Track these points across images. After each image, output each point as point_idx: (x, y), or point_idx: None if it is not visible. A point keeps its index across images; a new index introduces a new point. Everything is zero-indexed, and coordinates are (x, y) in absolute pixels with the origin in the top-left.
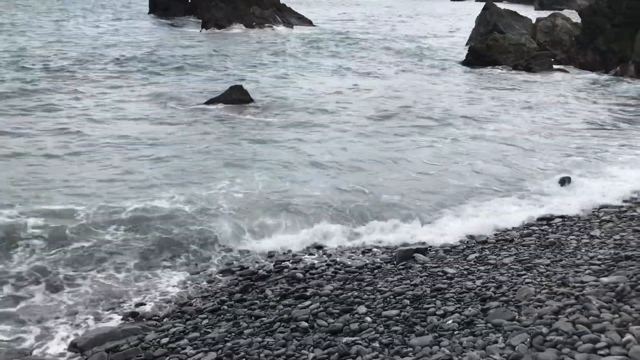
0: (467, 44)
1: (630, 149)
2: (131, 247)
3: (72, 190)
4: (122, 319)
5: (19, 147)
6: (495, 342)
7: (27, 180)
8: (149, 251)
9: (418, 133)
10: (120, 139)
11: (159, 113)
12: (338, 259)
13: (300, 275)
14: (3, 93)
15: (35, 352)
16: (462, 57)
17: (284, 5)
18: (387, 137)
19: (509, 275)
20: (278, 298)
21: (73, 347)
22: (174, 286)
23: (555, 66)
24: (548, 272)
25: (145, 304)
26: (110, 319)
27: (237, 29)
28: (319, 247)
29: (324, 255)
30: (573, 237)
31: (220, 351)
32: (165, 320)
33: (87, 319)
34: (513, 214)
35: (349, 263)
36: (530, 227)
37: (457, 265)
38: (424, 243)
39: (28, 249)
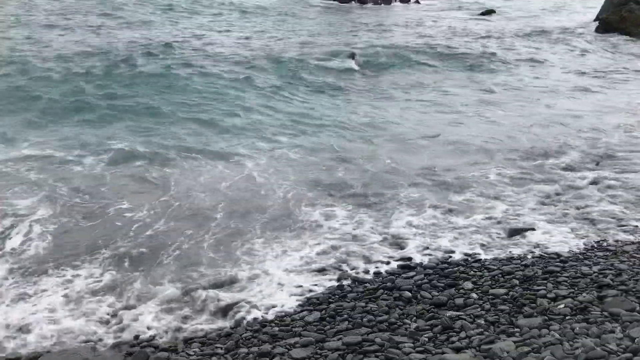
0: (596, 17)
1: None
2: None
3: None
4: None
5: None
6: (612, 331)
7: None
8: None
9: None
10: None
11: None
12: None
13: (403, 244)
14: None
15: None
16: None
17: None
18: None
19: (630, 263)
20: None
21: None
22: None
23: None
24: None
25: None
26: None
27: None
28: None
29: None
30: None
31: (324, 312)
32: None
33: None
34: None
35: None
36: None
37: (572, 249)
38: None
39: None
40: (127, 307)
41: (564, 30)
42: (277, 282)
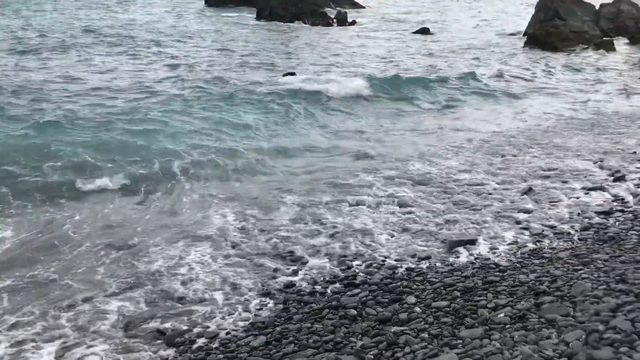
0: (525, 32)
1: None
2: None
3: None
4: None
5: None
6: (549, 337)
7: None
8: None
9: None
10: None
11: None
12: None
13: (349, 262)
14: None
15: None
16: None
17: None
18: None
19: (564, 269)
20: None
21: None
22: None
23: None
24: (606, 268)
25: None
26: None
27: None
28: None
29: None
30: (634, 232)
31: (269, 335)
32: None
33: None
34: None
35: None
36: (588, 221)
37: (510, 258)
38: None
39: None
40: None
41: (491, 45)
42: (221, 307)
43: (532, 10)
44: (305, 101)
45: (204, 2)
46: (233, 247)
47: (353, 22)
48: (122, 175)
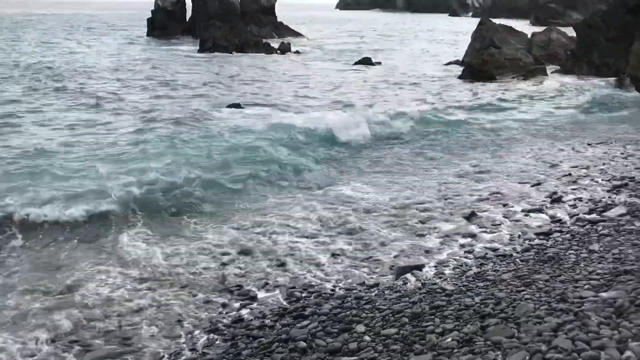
0: (462, 60)
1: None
2: None
3: None
4: None
5: None
6: None
7: None
8: None
9: None
10: None
11: None
12: (335, 277)
13: (298, 294)
14: None
15: None
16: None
17: (281, 23)
18: None
19: (508, 291)
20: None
21: None
22: None
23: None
24: (547, 288)
25: None
26: None
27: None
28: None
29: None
30: (572, 251)
31: None
32: None
33: None
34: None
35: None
36: (529, 242)
37: (455, 282)
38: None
39: None
40: None
41: (432, 76)
42: (167, 347)
43: (469, 39)
44: (245, 135)
45: (145, 33)
46: (182, 287)
47: (297, 52)
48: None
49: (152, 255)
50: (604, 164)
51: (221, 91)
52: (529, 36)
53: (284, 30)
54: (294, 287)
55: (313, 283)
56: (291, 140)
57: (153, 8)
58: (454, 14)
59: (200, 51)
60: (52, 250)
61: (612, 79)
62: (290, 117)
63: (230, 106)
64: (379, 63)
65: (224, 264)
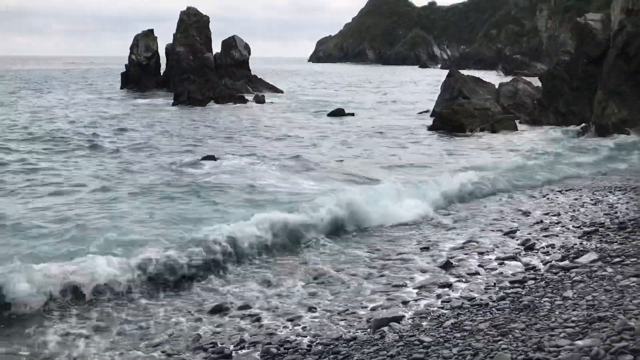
0: (433, 110)
1: None
2: None
3: None
4: None
5: None
6: None
7: None
8: None
9: None
10: None
11: None
12: (312, 332)
13: (274, 350)
14: None
15: None
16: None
17: (255, 76)
18: None
19: (485, 341)
20: None
21: None
22: None
23: (520, 128)
24: (524, 337)
25: None
26: None
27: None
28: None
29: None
30: (546, 299)
31: None
32: None
33: None
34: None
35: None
36: (504, 291)
37: (433, 333)
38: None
39: None
40: None
41: (404, 126)
42: None
43: (438, 90)
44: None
45: (119, 86)
46: (154, 346)
47: (271, 103)
48: None
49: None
50: (574, 211)
51: (193, 142)
52: (497, 86)
53: (257, 83)
54: (270, 344)
55: (289, 339)
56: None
57: (127, 62)
58: (423, 65)
59: (174, 104)
60: None
61: (578, 127)
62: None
63: (204, 158)
64: (352, 114)
65: (198, 320)
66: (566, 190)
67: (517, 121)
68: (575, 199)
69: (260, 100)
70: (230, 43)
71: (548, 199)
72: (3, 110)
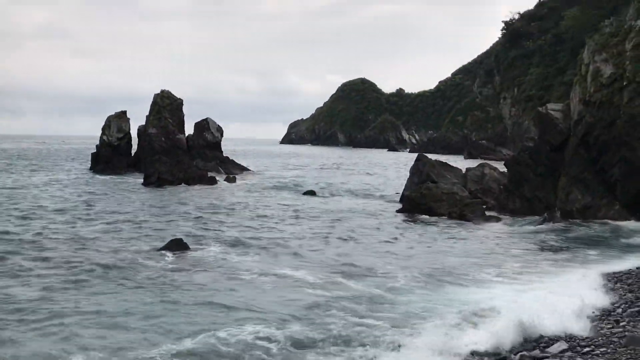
0: (402, 194)
1: None
2: None
3: None
4: None
5: None
6: None
7: None
8: None
9: None
10: None
11: None
12: None
13: None
14: None
15: None
16: (399, 205)
17: (227, 157)
18: None
19: None
20: None
21: None
22: None
23: (487, 213)
24: None
25: None
26: None
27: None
28: None
29: None
30: None
31: None
32: None
33: None
34: None
35: None
36: None
37: None
38: None
39: None
40: None
41: (372, 211)
42: None
43: (407, 173)
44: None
45: (89, 167)
46: None
47: (243, 183)
48: None
49: None
50: None
51: (161, 225)
52: (464, 171)
53: (229, 165)
54: None
55: None
56: None
57: (98, 143)
58: (392, 149)
59: (144, 185)
60: None
61: (544, 215)
62: None
63: (172, 244)
64: (322, 195)
65: None
66: None
67: (484, 206)
68: None
69: (231, 180)
70: (203, 125)
71: None
72: None
